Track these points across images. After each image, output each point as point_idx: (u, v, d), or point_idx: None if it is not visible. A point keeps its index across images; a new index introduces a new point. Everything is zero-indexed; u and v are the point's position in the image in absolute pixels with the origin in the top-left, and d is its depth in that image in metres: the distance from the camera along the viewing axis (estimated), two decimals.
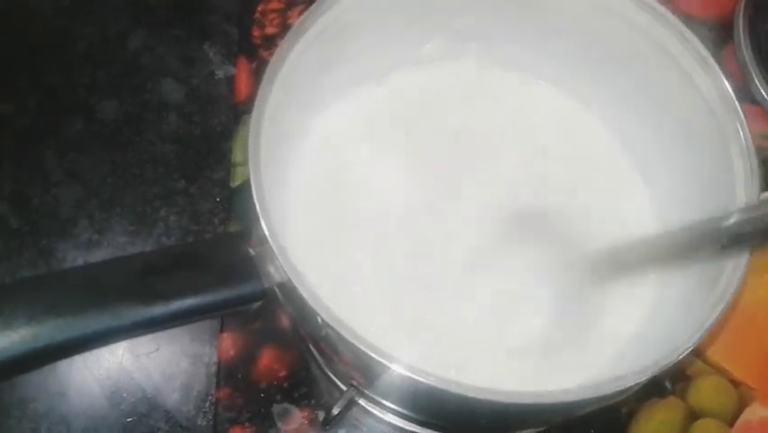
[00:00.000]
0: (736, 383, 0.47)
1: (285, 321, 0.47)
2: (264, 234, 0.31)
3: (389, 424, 0.44)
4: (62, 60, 0.56)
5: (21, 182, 0.52)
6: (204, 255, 0.31)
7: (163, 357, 0.47)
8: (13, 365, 0.27)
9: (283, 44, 0.36)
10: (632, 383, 0.32)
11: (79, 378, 0.46)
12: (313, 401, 0.45)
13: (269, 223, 0.31)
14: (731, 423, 0.47)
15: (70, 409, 0.46)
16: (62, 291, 0.28)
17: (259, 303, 0.32)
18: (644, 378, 0.32)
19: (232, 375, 0.46)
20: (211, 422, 0.45)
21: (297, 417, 0.45)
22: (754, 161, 0.36)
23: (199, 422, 0.45)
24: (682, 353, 0.32)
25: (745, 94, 0.55)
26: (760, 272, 0.49)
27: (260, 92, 0.34)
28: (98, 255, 0.50)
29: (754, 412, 0.47)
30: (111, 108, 0.54)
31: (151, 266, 0.29)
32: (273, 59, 0.35)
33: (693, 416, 0.47)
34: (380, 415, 0.44)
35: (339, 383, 0.43)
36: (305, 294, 0.30)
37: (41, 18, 0.57)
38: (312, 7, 0.37)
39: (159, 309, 0.28)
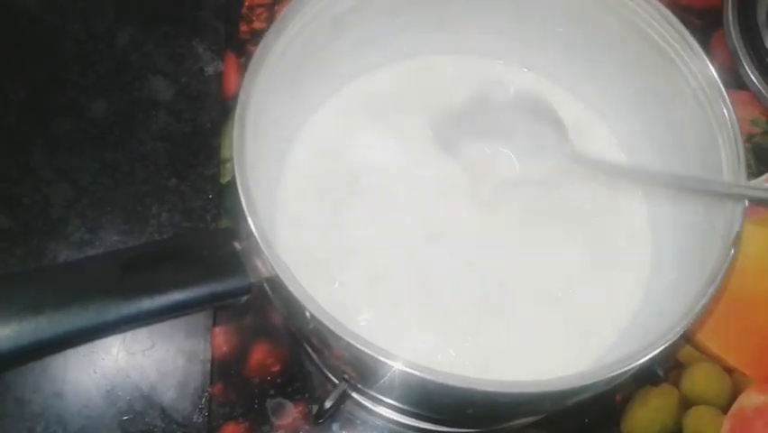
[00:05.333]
0: (729, 370, 0.47)
1: (277, 316, 0.47)
2: (250, 229, 0.31)
3: (382, 417, 0.44)
4: (50, 58, 0.56)
5: (10, 182, 0.52)
6: (190, 250, 0.31)
7: (158, 355, 0.47)
8: None
9: (266, 38, 0.36)
10: (623, 370, 0.32)
11: (75, 377, 0.46)
12: (306, 396, 0.45)
13: (255, 217, 0.31)
14: (725, 410, 0.47)
15: (66, 409, 0.46)
16: (45, 288, 0.28)
17: (246, 297, 0.32)
18: (635, 364, 0.32)
19: (225, 371, 0.46)
20: (207, 419, 0.45)
21: (291, 411, 0.45)
22: (741, 149, 0.36)
23: (195, 419, 0.45)
24: (672, 338, 0.32)
25: (735, 79, 0.55)
26: (751, 259, 0.49)
27: (244, 86, 0.34)
28: (90, 254, 0.50)
29: (748, 399, 0.47)
30: (100, 107, 0.54)
31: (136, 261, 0.29)
32: (256, 54, 0.35)
33: (687, 403, 0.47)
34: (373, 408, 0.44)
35: (332, 377, 0.43)
36: (292, 288, 0.30)
37: (27, 15, 0.57)
38: (293, 1, 0.37)
39: (144, 304, 0.28)
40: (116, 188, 0.52)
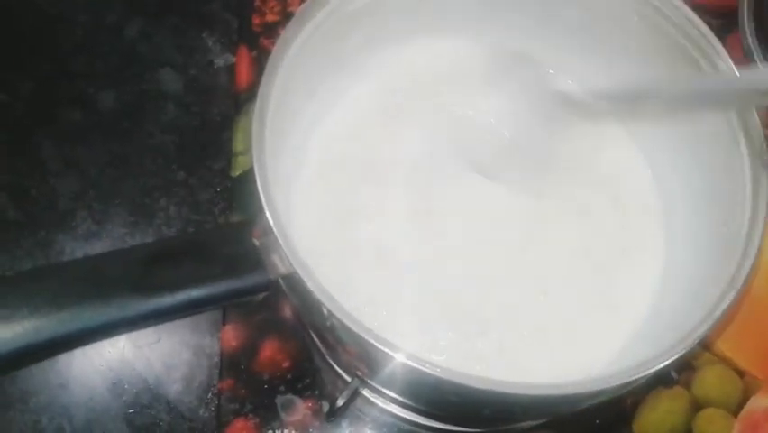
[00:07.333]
0: (740, 373, 0.47)
1: (288, 312, 0.47)
2: (269, 224, 0.31)
3: (393, 415, 0.44)
4: (58, 50, 0.55)
5: (18, 173, 0.51)
6: (208, 246, 0.31)
7: (165, 348, 0.47)
8: (16, 358, 0.26)
9: (286, 31, 0.36)
10: (639, 375, 0.31)
11: (81, 369, 0.46)
12: (317, 392, 0.45)
13: (274, 213, 0.31)
14: (736, 413, 0.46)
15: (72, 401, 0.45)
16: (65, 284, 0.27)
17: (264, 294, 0.31)
18: (650, 370, 0.32)
19: (234, 367, 0.45)
20: (214, 413, 0.45)
21: (301, 408, 0.45)
22: (765, 152, 0.36)
23: (201, 413, 0.45)
24: (690, 345, 0.32)
25: None
26: (764, 258, 0.48)
27: (264, 79, 0.34)
28: (97, 247, 0.49)
29: (758, 402, 0.47)
30: (109, 98, 0.54)
31: (155, 257, 0.29)
32: (276, 47, 0.35)
33: (698, 405, 0.46)
34: (384, 406, 0.44)
35: (343, 374, 0.43)
36: (310, 285, 0.30)
37: (35, 6, 0.57)
38: None
39: (164, 301, 0.28)
40: (124, 180, 0.52)
